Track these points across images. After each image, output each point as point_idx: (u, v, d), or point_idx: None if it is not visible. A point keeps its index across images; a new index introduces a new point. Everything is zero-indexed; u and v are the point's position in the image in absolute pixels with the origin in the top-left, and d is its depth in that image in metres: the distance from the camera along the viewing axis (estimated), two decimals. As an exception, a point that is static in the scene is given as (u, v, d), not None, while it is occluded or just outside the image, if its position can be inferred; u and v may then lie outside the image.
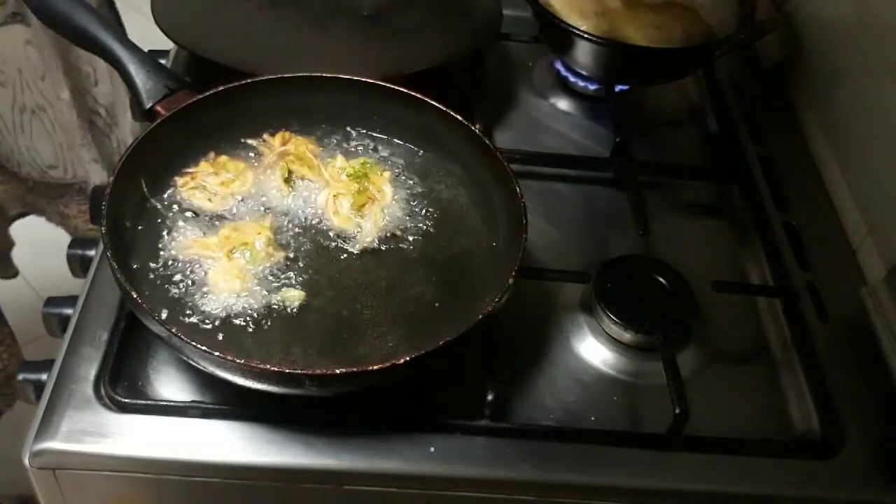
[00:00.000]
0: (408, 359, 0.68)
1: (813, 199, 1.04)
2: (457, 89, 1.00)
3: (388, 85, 0.89)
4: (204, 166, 0.85)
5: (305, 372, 0.69)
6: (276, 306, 0.77)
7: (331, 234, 0.84)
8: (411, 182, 0.89)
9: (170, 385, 0.78)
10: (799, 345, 0.86)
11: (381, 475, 0.74)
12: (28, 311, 1.26)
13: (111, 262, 0.72)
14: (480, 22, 1.10)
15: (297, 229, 0.84)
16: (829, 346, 0.87)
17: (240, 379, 0.70)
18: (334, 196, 0.85)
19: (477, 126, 0.88)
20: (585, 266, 0.89)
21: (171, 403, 0.76)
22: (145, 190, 0.82)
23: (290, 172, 0.87)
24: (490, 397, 0.77)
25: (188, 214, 0.83)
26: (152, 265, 0.78)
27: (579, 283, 0.88)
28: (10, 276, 1.54)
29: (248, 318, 0.76)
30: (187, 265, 0.79)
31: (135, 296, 0.70)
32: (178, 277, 0.78)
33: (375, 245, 0.83)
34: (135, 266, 0.78)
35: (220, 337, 0.74)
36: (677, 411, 0.76)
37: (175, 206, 0.83)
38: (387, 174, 0.88)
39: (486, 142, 0.85)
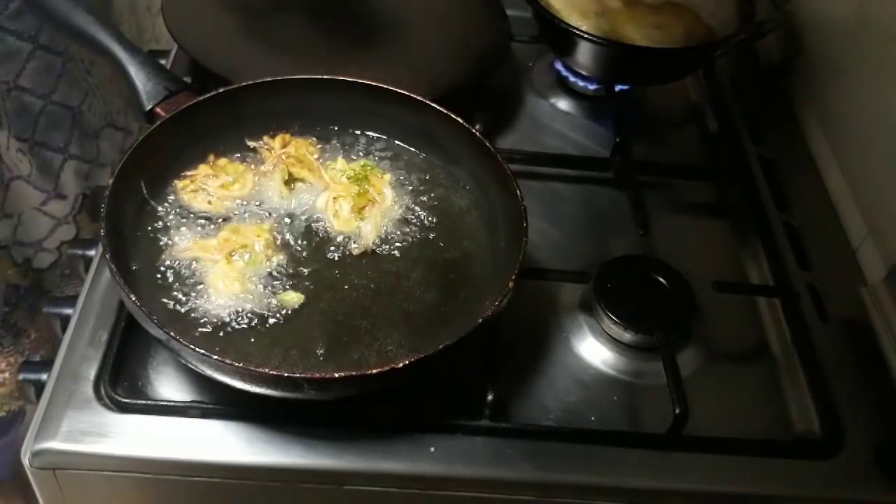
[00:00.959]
0: (407, 363, 0.68)
1: (813, 199, 1.04)
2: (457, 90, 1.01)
3: (388, 87, 0.89)
4: (203, 169, 0.85)
5: (304, 376, 0.69)
6: (275, 309, 0.77)
7: (331, 236, 0.84)
8: (411, 184, 0.89)
9: (170, 385, 0.78)
10: (799, 345, 0.86)
11: (381, 475, 0.74)
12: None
13: (110, 265, 0.72)
14: (489, 44, 1.10)
15: (296, 232, 0.84)
16: (829, 346, 0.87)
17: (238, 382, 0.70)
18: (334, 198, 0.85)
19: (477, 127, 0.88)
20: (585, 266, 0.89)
21: (171, 403, 0.76)
22: (145, 192, 0.82)
23: (290, 175, 0.86)
24: (490, 397, 0.77)
25: (188, 217, 0.83)
26: (152, 267, 0.78)
27: (579, 283, 0.88)
28: None
29: (246, 321, 0.76)
30: (187, 267, 0.79)
31: (133, 299, 0.70)
32: (177, 280, 0.78)
33: (375, 248, 0.83)
34: (134, 268, 0.78)
35: (219, 340, 0.74)
36: (677, 411, 0.76)
37: (175, 209, 0.83)
38: (387, 177, 0.88)
39: (487, 144, 0.85)
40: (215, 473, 0.74)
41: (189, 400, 0.77)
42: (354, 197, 0.85)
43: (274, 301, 0.77)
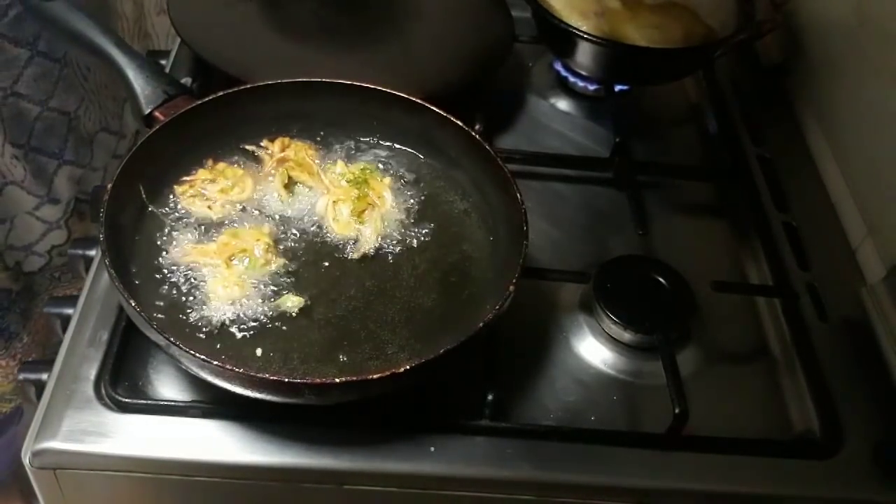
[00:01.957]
0: (408, 368, 0.68)
1: (813, 199, 1.04)
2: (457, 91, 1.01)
3: (387, 90, 0.89)
4: (202, 173, 0.85)
5: (304, 381, 0.69)
6: (275, 314, 0.77)
7: (330, 240, 0.84)
8: (411, 188, 0.89)
9: (170, 385, 0.78)
10: (799, 345, 0.86)
11: (381, 475, 0.74)
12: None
13: (109, 270, 0.71)
14: (491, 44, 1.10)
15: (296, 236, 0.84)
16: (829, 346, 0.87)
17: (238, 388, 0.70)
18: (334, 202, 0.85)
19: (477, 127, 0.88)
20: (585, 266, 0.89)
21: (172, 403, 0.76)
22: (144, 196, 0.82)
23: (289, 178, 0.86)
24: (490, 397, 0.77)
25: (187, 221, 0.83)
26: (151, 272, 0.78)
27: (579, 283, 0.88)
28: None
29: (246, 326, 0.76)
30: (186, 272, 0.78)
31: (132, 304, 0.69)
32: (176, 284, 0.78)
33: (375, 251, 0.83)
34: (133, 271, 0.77)
35: (218, 345, 0.74)
36: (677, 411, 0.76)
37: (174, 213, 0.83)
38: (387, 180, 0.88)
39: (487, 147, 0.85)
40: (215, 473, 0.74)
41: (189, 400, 0.77)
42: (354, 200, 0.85)
43: (273, 305, 0.77)
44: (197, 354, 0.67)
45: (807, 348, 0.86)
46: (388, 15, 1.12)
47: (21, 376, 0.83)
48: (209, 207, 0.83)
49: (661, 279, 0.87)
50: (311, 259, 0.82)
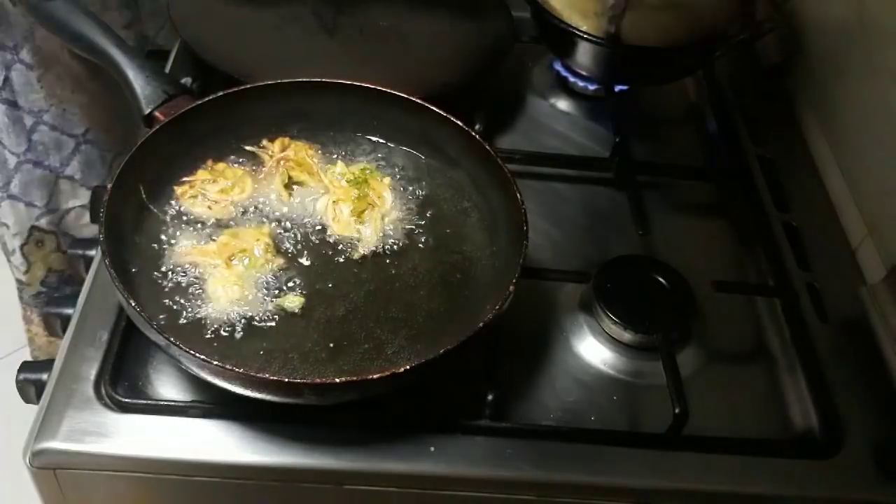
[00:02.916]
0: (408, 368, 0.68)
1: (813, 199, 1.04)
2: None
3: (387, 90, 0.89)
4: (202, 174, 0.85)
5: (304, 381, 0.69)
6: (274, 313, 0.77)
7: (331, 240, 0.84)
8: (412, 188, 0.89)
9: (170, 385, 0.78)
10: (799, 345, 0.86)
11: (381, 475, 0.74)
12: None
13: (109, 271, 0.71)
14: (491, 44, 1.10)
15: (296, 236, 0.84)
16: (829, 346, 0.87)
17: (238, 388, 0.70)
18: (334, 202, 0.85)
19: (477, 127, 0.88)
20: (585, 266, 0.89)
21: (172, 403, 0.76)
22: (144, 196, 0.82)
23: (289, 178, 0.86)
24: (490, 397, 0.77)
25: (187, 221, 0.83)
26: (151, 272, 0.78)
27: (579, 283, 0.88)
28: None
29: (246, 326, 0.76)
30: (186, 272, 0.78)
31: (132, 304, 0.69)
32: (176, 285, 0.78)
33: (375, 251, 0.83)
34: (133, 272, 0.77)
35: (219, 345, 0.74)
36: (677, 411, 0.76)
37: (174, 214, 0.83)
38: (387, 180, 0.88)
39: (487, 147, 0.85)
40: (215, 473, 0.74)
41: (189, 400, 0.77)
42: (354, 200, 0.85)
43: (273, 305, 0.77)
44: (197, 354, 0.67)
45: (807, 348, 0.86)
46: (387, 14, 1.12)
47: (21, 376, 0.83)
48: (209, 208, 0.83)
49: (661, 279, 0.87)
50: (311, 259, 0.82)
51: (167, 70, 1.05)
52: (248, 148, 0.89)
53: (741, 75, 1.18)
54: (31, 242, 1.24)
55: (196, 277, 0.78)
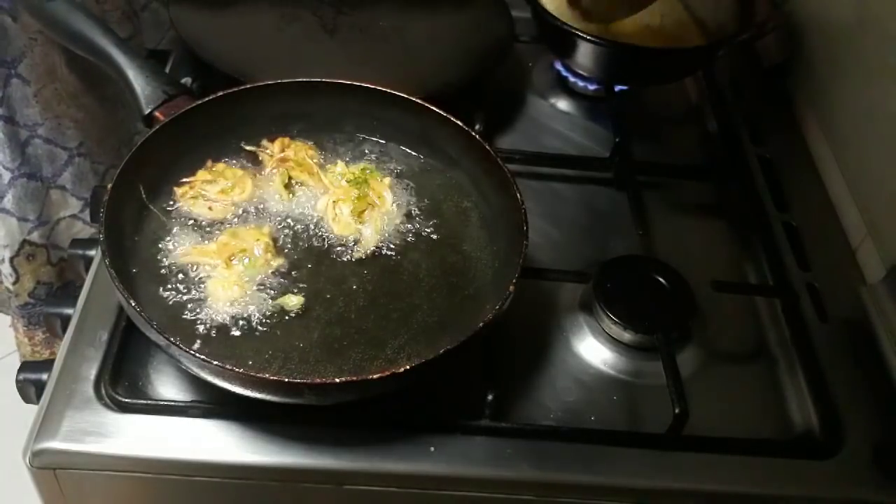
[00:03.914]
0: (408, 368, 0.68)
1: (813, 199, 1.04)
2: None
3: (387, 90, 0.89)
4: (202, 174, 0.85)
5: (304, 381, 0.69)
6: (274, 313, 0.77)
7: (330, 240, 0.84)
8: (412, 188, 0.89)
9: (170, 385, 0.78)
10: (799, 345, 0.86)
11: (381, 475, 0.74)
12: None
13: (109, 271, 0.71)
14: (491, 44, 1.10)
15: (296, 236, 0.84)
16: (829, 346, 0.87)
17: (238, 388, 0.70)
18: (334, 202, 0.85)
19: (477, 127, 0.88)
20: (585, 266, 0.89)
21: (172, 403, 0.76)
22: (144, 196, 0.82)
23: (289, 178, 0.86)
24: (490, 397, 0.77)
25: (187, 221, 0.83)
26: (151, 272, 0.78)
27: (579, 283, 0.88)
28: None
29: (246, 326, 0.76)
30: (186, 272, 0.78)
31: (132, 304, 0.69)
32: (176, 284, 0.78)
33: (375, 251, 0.83)
34: (133, 272, 0.77)
35: (219, 345, 0.74)
36: (677, 411, 0.76)
37: (174, 214, 0.83)
38: (387, 180, 0.88)
39: (487, 147, 0.85)
40: (215, 473, 0.74)
41: (189, 400, 0.77)
42: (354, 201, 0.85)
43: (273, 305, 0.77)
44: (197, 354, 0.67)
45: (807, 348, 0.86)
46: (387, 14, 1.12)
47: (21, 376, 0.83)
48: (209, 208, 0.83)
49: (661, 279, 0.87)
50: (311, 259, 0.82)
51: (167, 70, 1.05)
52: (248, 148, 0.89)
53: (741, 75, 1.18)
54: (22, 255, 1.24)
55: (196, 277, 0.78)
